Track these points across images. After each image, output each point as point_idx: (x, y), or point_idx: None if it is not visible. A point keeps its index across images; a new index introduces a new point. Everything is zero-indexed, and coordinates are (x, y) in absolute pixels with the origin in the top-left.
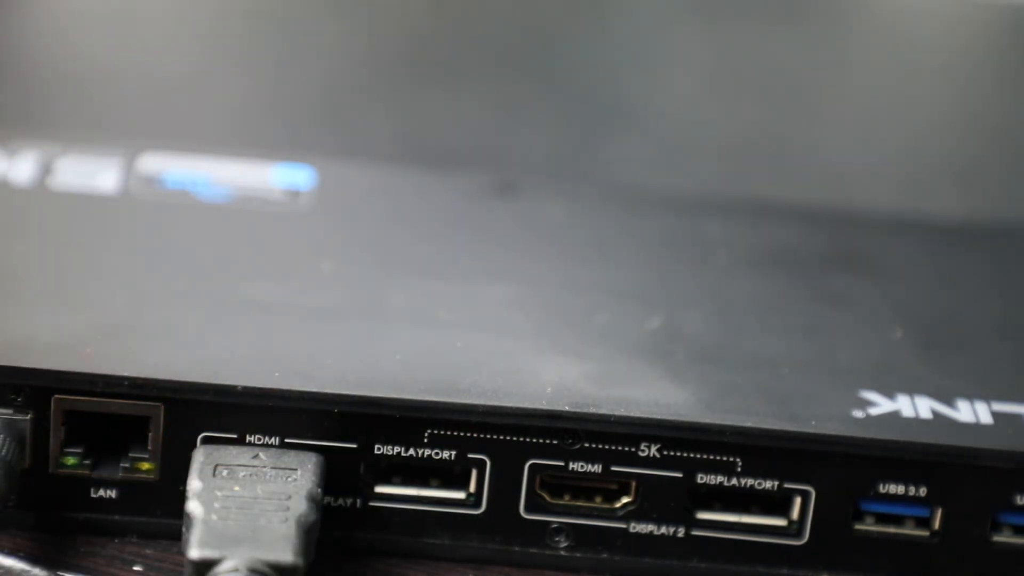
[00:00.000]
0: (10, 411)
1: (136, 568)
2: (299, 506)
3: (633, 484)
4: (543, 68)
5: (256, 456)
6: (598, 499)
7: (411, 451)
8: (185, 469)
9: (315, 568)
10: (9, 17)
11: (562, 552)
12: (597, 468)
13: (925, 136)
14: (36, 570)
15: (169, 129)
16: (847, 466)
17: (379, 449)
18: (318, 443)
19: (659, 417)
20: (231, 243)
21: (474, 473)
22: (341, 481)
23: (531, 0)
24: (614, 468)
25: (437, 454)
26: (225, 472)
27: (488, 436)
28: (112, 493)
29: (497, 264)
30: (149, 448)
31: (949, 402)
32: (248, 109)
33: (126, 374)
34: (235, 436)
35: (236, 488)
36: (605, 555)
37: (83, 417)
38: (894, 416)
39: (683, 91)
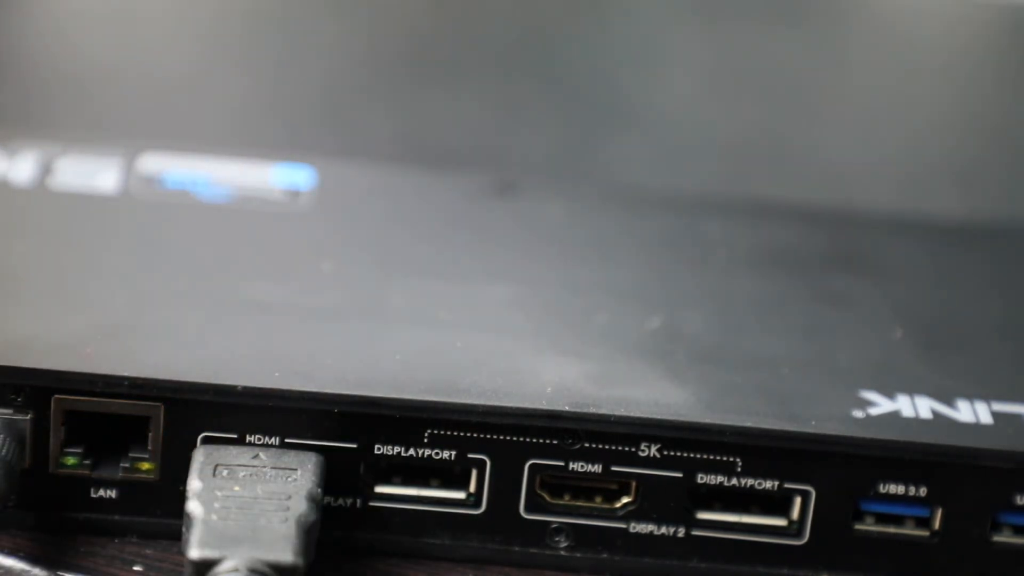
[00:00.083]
0: (10, 411)
1: (136, 568)
2: (299, 506)
3: (633, 484)
4: (543, 68)
5: (256, 456)
6: (598, 499)
7: (411, 451)
8: (185, 469)
9: (315, 568)
10: (9, 17)
11: (562, 552)
12: (597, 468)
13: (925, 136)
14: (36, 570)
15: (169, 129)
16: (847, 466)
17: (379, 449)
18: (318, 443)
19: (659, 417)
20: (231, 243)
21: (474, 473)
22: (341, 481)
23: (531, 0)
24: (614, 468)
25: (437, 454)
26: (225, 472)
27: (488, 436)
28: (112, 493)
29: (497, 264)
30: (149, 448)
31: (949, 402)
32: (248, 109)
33: (126, 374)
34: (235, 436)
35: (236, 488)
36: (605, 555)
37: (83, 417)
38: (894, 416)
39: (683, 91)
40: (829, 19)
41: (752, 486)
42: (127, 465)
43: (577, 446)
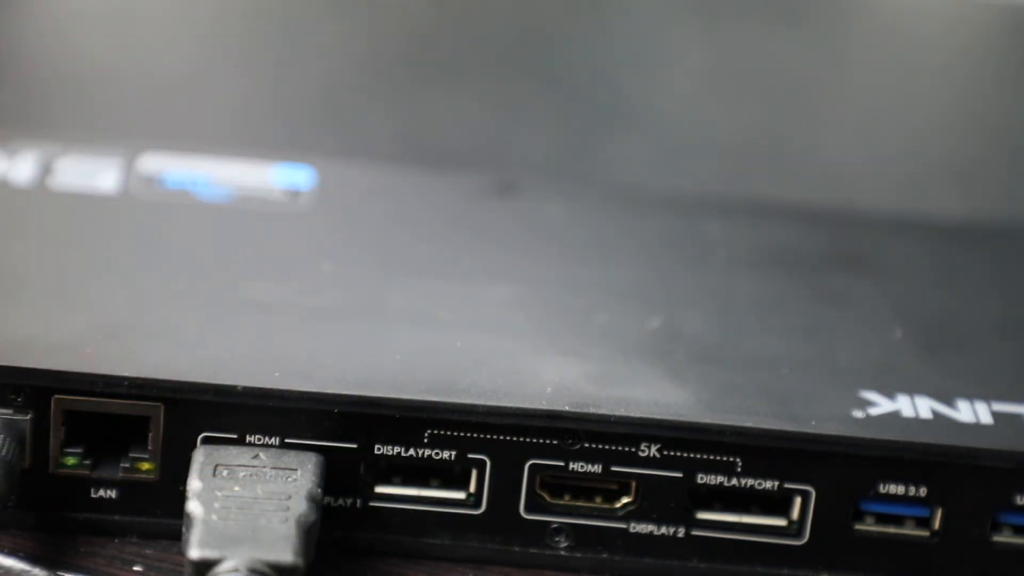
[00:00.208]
0: (10, 411)
1: (136, 568)
2: (299, 506)
3: (633, 484)
4: (543, 68)
5: (256, 456)
6: (598, 499)
7: (411, 451)
8: (185, 469)
9: (315, 568)
10: (9, 17)
11: (562, 552)
12: (597, 468)
13: (925, 136)
14: (36, 570)
15: (169, 129)
16: (847, 466)
17: (379, 449)
18: (318, 443)
19: (659, 417)
20: (231, 243)
21: (474, 473)
22: (341, 481)
23: (531, 0)
24: (614, 468)
25: (437, 454)
26: (225, 472)
27: (488, 436)
28: (112, 493)
29: (497, 264)
30: (149, 448)
31: (949, 402)
32: (248, 109)
33: (126, 374)
34: (235, 436)
35: (236, 488)
36: (605, 555)
37: (83, 417)
38: (894, 416)
39: (683, 91)
40: (829, 19)
41: (752, 486)
42: (127, 465)
43: (577, 446)
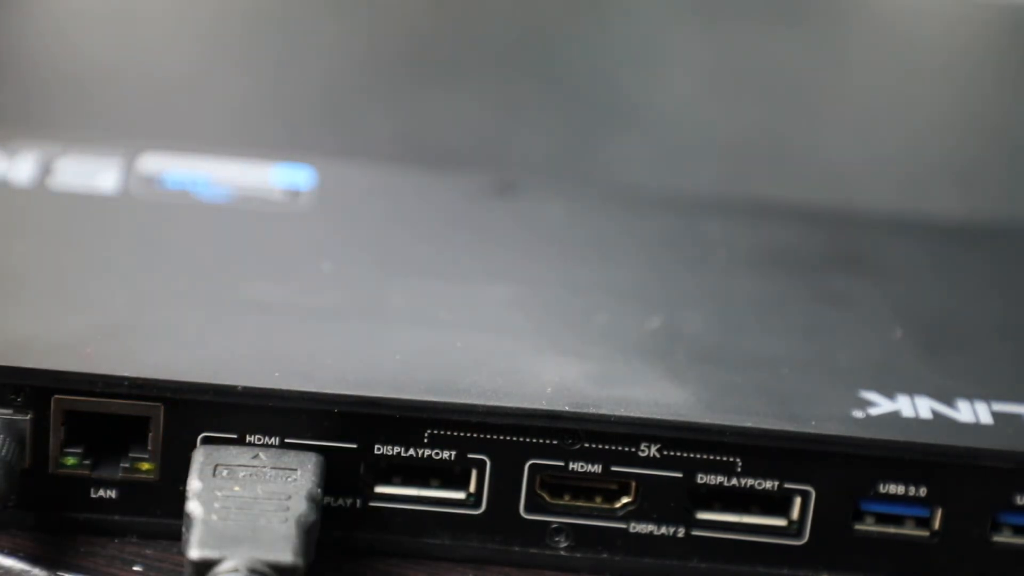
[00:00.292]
0: (10, 411)
1: (136, 568)
2: (299, 506)
3: (633, 484)
4: (543, 68)
5: (256, 456)
6: (598, 499)
7: (411, 451)
8: (185, 469)
9: (315, 568)
10: (9, 17)
11: (562, 552)
12: (597, 468)
13: (925, 136)
14: (36, 570)
15: (169, 129)
16: (847, 466)
17: (379, 449)
18: (318, 443)
19: (659, 417)
20: (231, 243)
21: (474, 473)
22: (341, 481)
23: (531, 0)
24: (614, 468)
25: (437, 454)
26: (225, 472)
27: (488, 436)
28: (112, 493)
29: (497, 264)
30: (149, 448)
31: (949, 402)
32: (248, 109)
33: (126, 374)
34: (235, 436)
35: (236, 488)
36: (605, 555)
37: (83, 417)
38: (894, 416)
39: (683, 91)
40: (829, 19)
41: (752, 486)
42: (127, 465)
43: (577, 446)
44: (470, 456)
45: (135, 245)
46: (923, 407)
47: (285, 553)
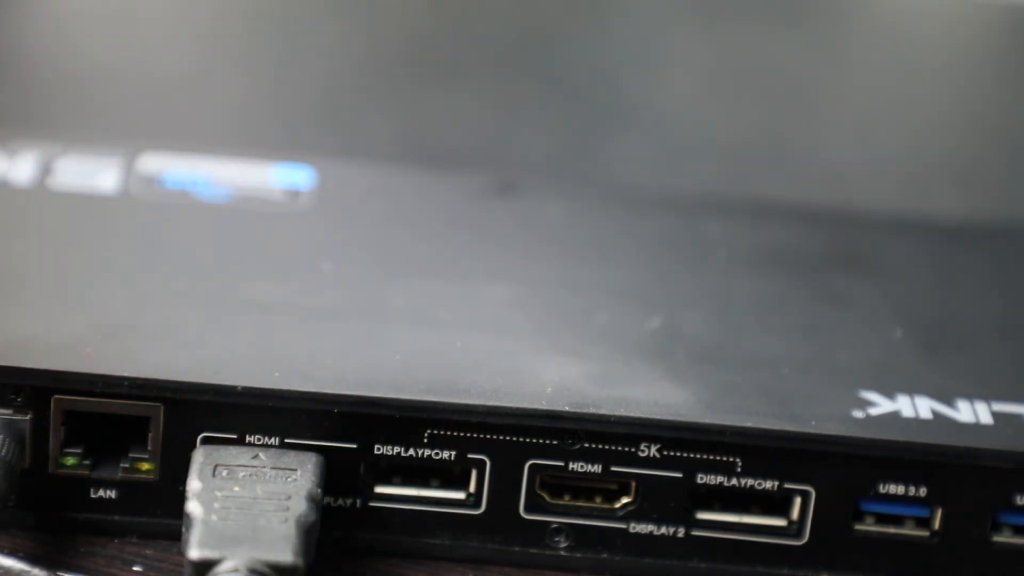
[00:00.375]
0: (10, 411)
1: (136, 568)
2: (299, 506)
3: (633, 484)
4: (543, 68)
5: (256, 456)
6: (598, 499)
7: (411, 451)
8: (185, 469)
9: (315, 568)
10: (9, 17)
11: (562, 552)
12: (597, 468)
13: (925, 136)
14: (36, 570)
15: (169, 129)
16: (847, 466)
17: (379, 449)
18: (318, 443)
19: (659, 417)
20: (231, 243)
21: (474, 473)
22: (341, 481)
23: (531, 0)
24: (614, 468)
25: (437, 454)
26: (225, 472)
27: (488, 436)
28: (112, 493)
29: (497, 264)
30: (149, 448)
31: (949, 402)
32: (248, 109)
33: (126, 374)
34: (235, 436)
35: (236, 488)
36: (605, 555)
37: (83, 417)
38: (894, 416)
39: (683, 91)
40: (829, 19)
41: (752, 486)
42: (127, 465)
43: (577, 446)
44: (470, 456)
45: (135, 245)
46: (923, 407)
47: (285, 553)
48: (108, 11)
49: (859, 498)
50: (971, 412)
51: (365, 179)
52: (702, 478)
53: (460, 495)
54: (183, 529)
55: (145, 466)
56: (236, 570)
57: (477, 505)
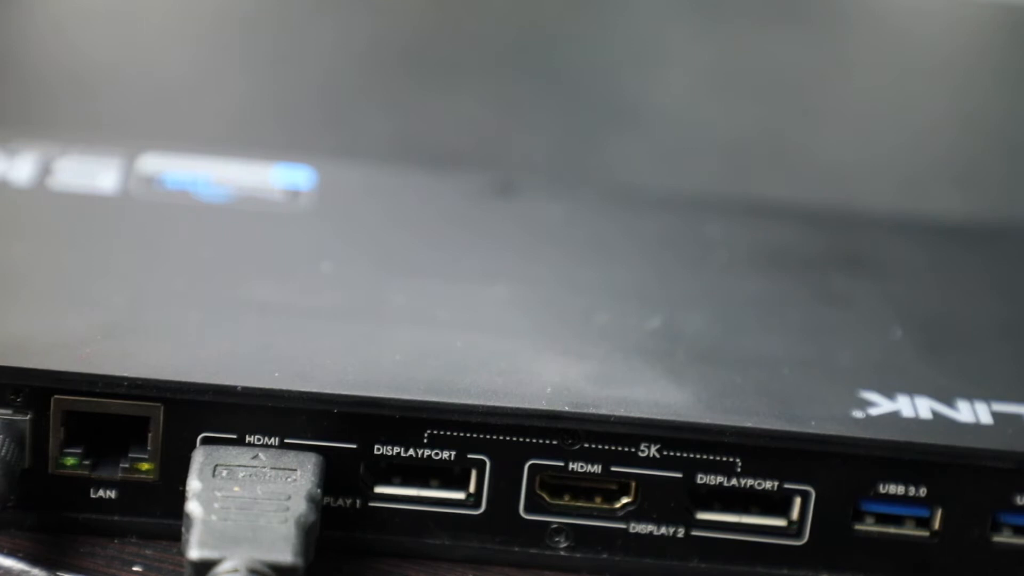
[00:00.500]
0: (10, 411)
1: (136, 568)
2: (299, 506)
3: (633, 484)
4: (543, 68)
5: (256, 456)
6: (598, 499)
7: (411, 451)
8: (185, 469)
9: (315, 568)
10: (9, 17)
11: (562, 552)
12: (597, 468)
13: (925, 136)
14: (36, 570)
15: (169, 129)
16: (847, 466)
17: (379, 449)
18: (318, 443)
19: (659, 417)
20: (231, 243)
21: (474, 473)
22: (341, 481)
23: (531, 0)
24: (614, 468)
25: (437, 454)
26: (225, 472)
27: (488, 436)
28: (112, 493)
29: (497, 264)
30: (149, 448)
31: (949, 402)
32: (248, 109)
33: (125, 374)
34: (235, 436)
35: (236, 488)
36: (605, 555)
37: (82, 417)
38: (894, 416)
39: (683, 91)
40: (829, 19)
41: (752, 486)
42: (127, 465)
43: (577, 446)
44: (470, 456)
45: (135, 245)
46: (923, 407)
47: (285, 553)
48: (108, 11)
49: (859, 498)
50: (971, 412)
51: (365, 179)
52: (702, 478)
53: (460, 495)
54: (183, 529)
55: (145, 466)
56: (236, 570)
57: (477, 505)
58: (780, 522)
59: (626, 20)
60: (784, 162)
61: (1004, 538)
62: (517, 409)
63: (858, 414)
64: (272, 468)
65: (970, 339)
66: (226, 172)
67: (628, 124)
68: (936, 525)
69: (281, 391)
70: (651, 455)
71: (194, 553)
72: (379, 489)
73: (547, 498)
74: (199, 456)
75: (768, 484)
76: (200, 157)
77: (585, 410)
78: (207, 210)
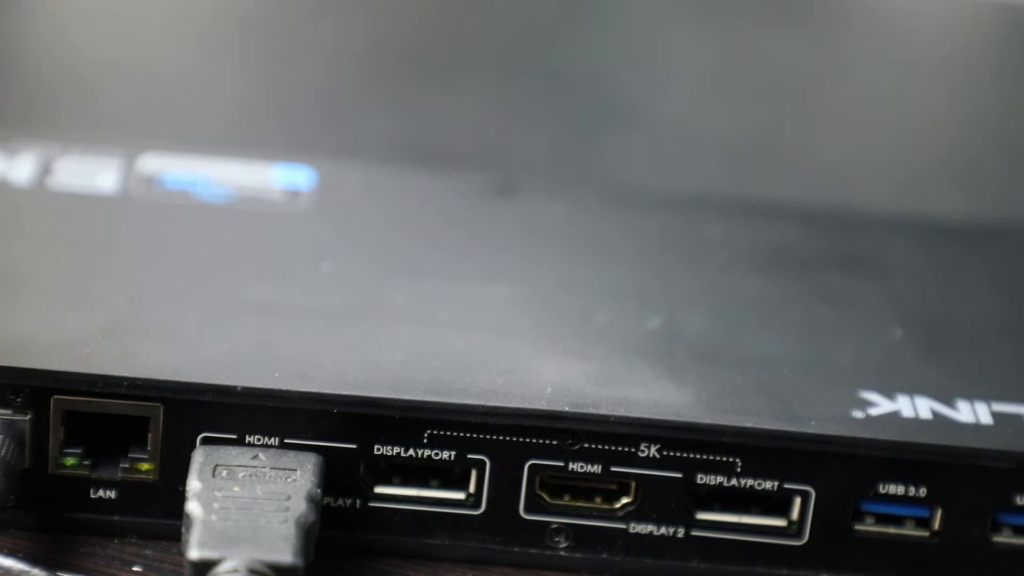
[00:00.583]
0: (10, 411)
1: (136, 568)
2: (299, 506)
3: (633, 484)
4: (543, 68)
5: (256, 456)
6: (598, 499)
7: (411, 451)
8: (185, 469)
9: (315, 568)
10: (9, 17)
11: (562, 552)
12: (597, 468)
13: (925, 136)
14: (36, 570)
15: (169, 129)
16: (847, 466)
17: (379, 449)
18: (318, 443)
19: (659, 417)
20: (231, 243)
21: (474, 473)
22: (341, 481)
23: (531, 0)
24: (614, 468)
25: (437, 454)
26: (225, 472)
27: (488, 436)
28: (112, 493)
29: (497, 264)
30: (148, 448)
31: (949, 402)
32: (248, 109)
33: (125, 374)
34: (235, 436)
35: (236, 489)
36: (605, 555)
37: (82, 417)
38: (894, 416)
39: (683, 91)
40: (829, 19)
41: (752, 486)
42: (126, 465)
43: (577, 446)
44: (470, 456)
45: (135, 245)
46: (923, 407)
47: (285, 553)
48: (108, 11)
49: (859, 498)
50: (971, 412)
51: (365, 179)
52: (702, 478)
53: (460, 495)
54: (183, 529)
55: (145, 466)
56: (236, 570)
57: (477, 505)
58: (780, 522)
59: (626, 20)
60: (784, 162)
61: (1004, 538)
62: (517, 409)
63: (858, 414)
64: (272, 468)
65: (970, 339)
66: (226, 172)
67: (628, 124)
68: (936, 525)
69: (281, 391)
70: (651, 455)
71: (194, 553)
72: (379, 489)
73: (547, 498)
74: (199, 456)
75: (768, 484)
76: (200, 157)
77: (585, 410)
78: (207, 210)
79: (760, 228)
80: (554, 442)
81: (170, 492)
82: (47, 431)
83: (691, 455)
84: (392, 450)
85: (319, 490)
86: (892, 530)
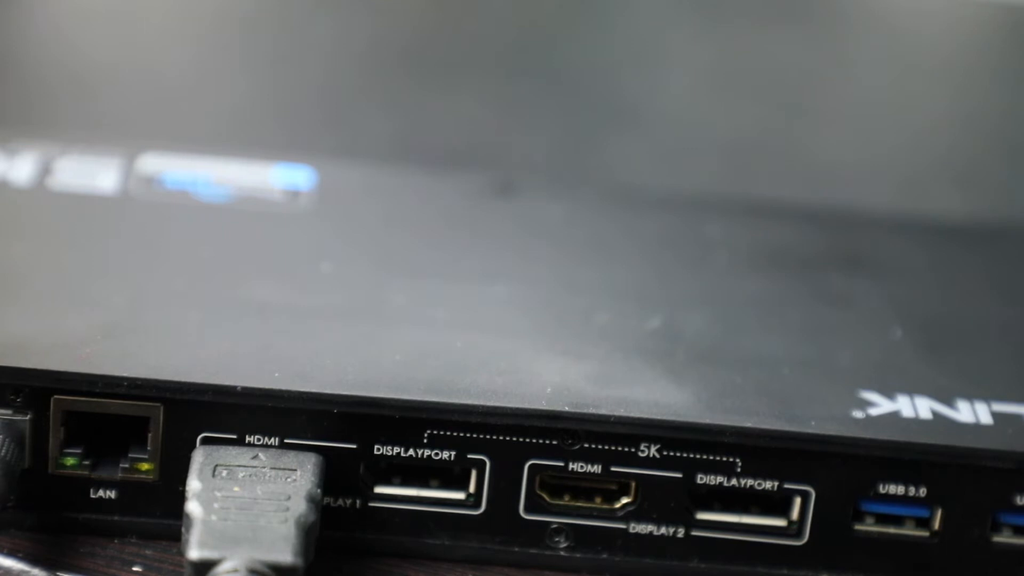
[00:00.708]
0: (10, 411)
1: (136, 568)
2: (299, 506)
3: (633, 484)
4: (543, 68)
5: (256, 456)
6: (598, 499)
7: (411, 451)
8: (185, 469)
9: (315, 568)
10: (9, 17)
11: (562, 552)
12: (597, 468)
13: (925, 136)
14: (36, 570)
15: (169, 129)
16: (847, 466)
17: (379, 449)
18: (318, 443)
19: (659, 417)
20: (231, 243)
21: (474, 473)
22: (341, 481)
23: (531, 0)
24: (614, 468)
25: (437, 454)
26: (225, 472)
27: (488, 436)
28: (112, 493)
29: (497, 264)
30: (148, 448)
31: (949, 402)
32: (248, 109)
33: (125, 374)
34: (235, 436)
35: (236, 489)
36: (605, 555)
37: (82, 417)
38: (894, 416)
39: (683, 91)
40: (829, 19)
41: (752, 486)
42: (126, 465)
43: (577, 446)
44: (470, 456)
45: (135, 245)
46: (923, 407)
47: (285, 553)
48: (108, 11)
49: (859, 498)
50: (971, 412)
51: (365, 179)
52: (702, 478)
53: (460, 495)
54: (183, 529)
55: (145, 466)
56: (236, 570)
57: (477, 505)
58: (780, 522)
59: (626, 20)
60: (784, 162)
61: (1004, 538)
62: (517, 409)
63: (858, 414)
64: (272, 468)
65: (970, 339)
66: (226, 172)
67: (628, 124)
68: (936, 525)
69: (281, 391)
70: (651, 455)
71: (194, 553)
72: (379, 489)
73: (547, 498)
74: (199, 456)
75: (768, 484)
76: (200, 157)
77: (585, 410)
78: (207, 210)
79: (760, 228)
80: (554, 442)
81: (170, 492)
82: (47, 431)
83: (691, 455)
84: (392, 450)
85: (319, 490)
86: (892, 530)
